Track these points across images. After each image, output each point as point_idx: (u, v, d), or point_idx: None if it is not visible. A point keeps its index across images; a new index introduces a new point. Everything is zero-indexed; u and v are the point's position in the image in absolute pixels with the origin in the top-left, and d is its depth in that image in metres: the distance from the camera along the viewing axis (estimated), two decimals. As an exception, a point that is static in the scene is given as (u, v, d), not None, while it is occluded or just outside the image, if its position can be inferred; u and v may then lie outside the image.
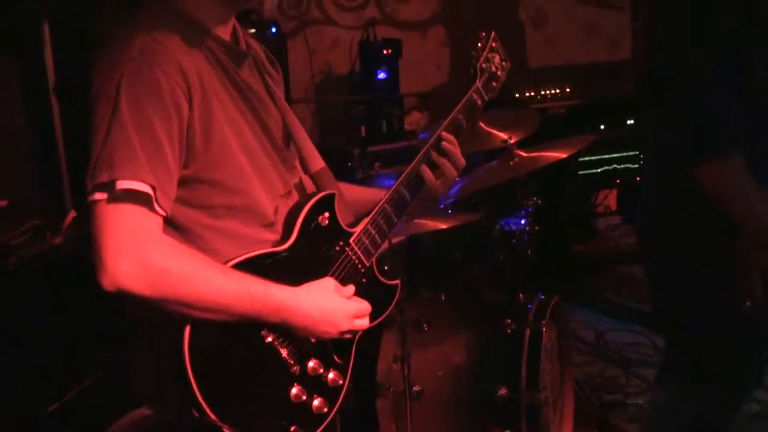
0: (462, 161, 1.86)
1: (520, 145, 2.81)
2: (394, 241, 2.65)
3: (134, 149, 1.36)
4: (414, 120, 4.77)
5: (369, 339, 2.66)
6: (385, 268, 2.79)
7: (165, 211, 1.40)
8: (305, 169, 1.74)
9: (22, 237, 2.68)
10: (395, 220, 1.76)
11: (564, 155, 2.75)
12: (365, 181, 3.66)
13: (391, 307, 1.77)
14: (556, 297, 2.84)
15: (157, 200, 1.38)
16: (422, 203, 1.87)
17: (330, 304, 1.55)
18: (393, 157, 4.00)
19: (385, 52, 4.25)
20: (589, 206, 4.76)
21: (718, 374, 2.20)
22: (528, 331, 2.64)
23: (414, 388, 2.54)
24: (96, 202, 1.35)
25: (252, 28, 3.90)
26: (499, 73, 2.07)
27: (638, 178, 4.44)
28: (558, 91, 4.48)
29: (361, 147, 3.84)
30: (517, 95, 4.41)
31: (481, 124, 2.84)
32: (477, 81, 2.01)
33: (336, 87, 4.60)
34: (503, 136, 2.78)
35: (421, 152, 1.83)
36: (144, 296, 1.35)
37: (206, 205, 1.50)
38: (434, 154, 1.83)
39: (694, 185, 2.04)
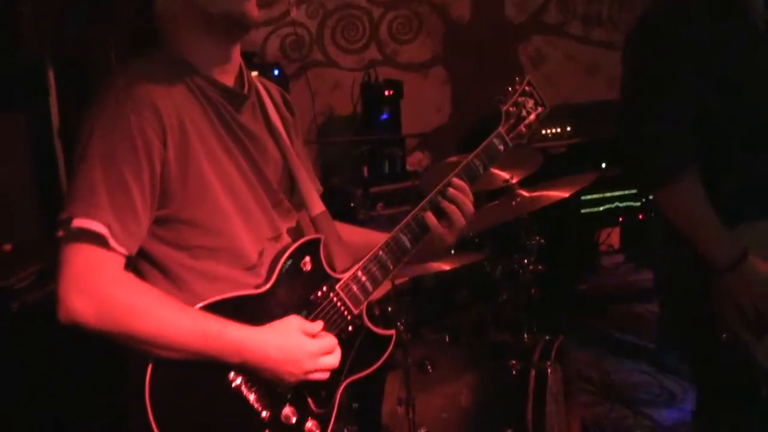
0: (471, 210, 1.77)
1: (522, 184, 2.82)
2: (397, 282, 2.65)
3: (95, 189, 1.39)
4: (416, 160, 4.79)
5: (373, 380, 2.65)
6: (385, 309, 2.79)
7: (127, 250, 1.42)
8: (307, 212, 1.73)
9: (25, 281, 2.68)
10: (391, 267, 1.69)
11: (566, 194, 2.75)
12: (367, 222, 3.67)
13: (382, 359, 1.69)
14: (560, 337, 2.82)
15: (115, 238, 1.39)
16: (429, 250, 1.79)
17: (290, 343, 1.49)
18: (395, 198, 4.02)
19: (386, 93, 4.29)
20: (593, 244, 4.75)
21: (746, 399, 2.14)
22: (533, 372, 2.63)
23: (419, 431, 2.52)
24: (58, 238, 1.40)
25: (255, 70, 3.95)
26: (531, 117, 1.99)
27: (640, 217, 4.44)
28: (559, 129, 4.50)
29: (364, 187, 3.86)
30: (518, 135, 4.43)
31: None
32: (501, 125, 1.94)
33: (338, 128, 4.63)
34: (505, 175, 2.79)
35: (427, 198, 1.76)
36: (93, 328, 1.37)
37: (186, 245, 1.50)
38: (442, 201, 1.75)
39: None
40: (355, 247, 1.73)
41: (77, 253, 1.38)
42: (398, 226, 1.72)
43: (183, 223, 1.49)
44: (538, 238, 3.03)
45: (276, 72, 4.10)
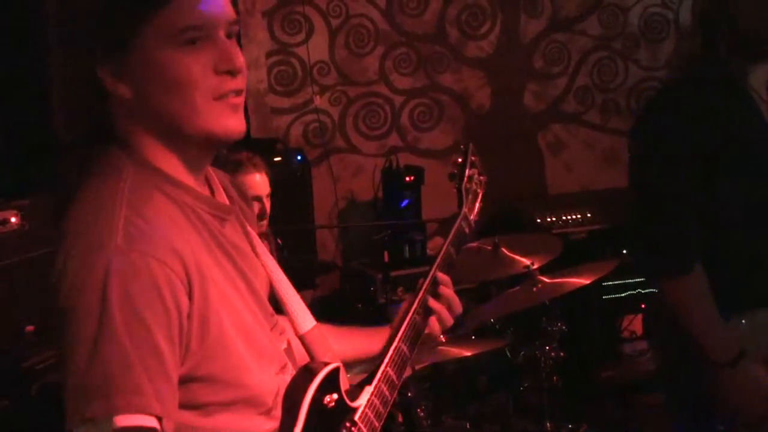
0: (459, 305, 1.66)
1: (543, 270, 2.82)
2: (417, 367, 2.62)
3: (134, 370, 1.09)
4: (436, 245, 4.79)
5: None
6: (409, 394, 2.76)
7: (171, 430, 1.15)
8: (294, 330, 1.46)
9: (46, 362, 2.68)
10: (397, 382, 1.53)
11: (587, 281, 2.75)
12: (387, 306, 3.67)
13: None
14: (584, 425, 2.78)
15: (163, 429, 1.12)
16: (419, 352, 1.66)
17: None
18: (415, 282, 4.01)
19: (407, 179, 4.33)
20: (615, 331, 4.70)
21: None
22: (556, 462, 2.57)
23: None
24: None
25: (278, 156, 4.02)
26: (479, 191, 1.89)
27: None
28: (579, 216, 4.51)
29: (384, 272, 3.86)
30: (538, 220, 4.45)
31: (504, 250, 2.86)
32: (463, 206, 1.81)
33: (359, 213, 4.67)
34: (526, 261, 2.80)
35: (416, 301, 1.62)
36: None
37: (198, 404, 1.23)
38: (431, 300, 1.62)
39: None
40: (343, 353, 1.53)
41: None
42: (398, 338, 1.56)
43: (197, 381, 1.21)
44: (559, 324, 3.01)
45: (299, 158, 4.17)
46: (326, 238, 4.60)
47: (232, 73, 1.23)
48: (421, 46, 4.75)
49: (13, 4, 2.69)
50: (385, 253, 4.09)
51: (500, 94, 4.91)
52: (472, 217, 1.86)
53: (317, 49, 4.58)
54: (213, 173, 1.39)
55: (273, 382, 1.32)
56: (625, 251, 4.40)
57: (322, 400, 1.35)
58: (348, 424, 1.38)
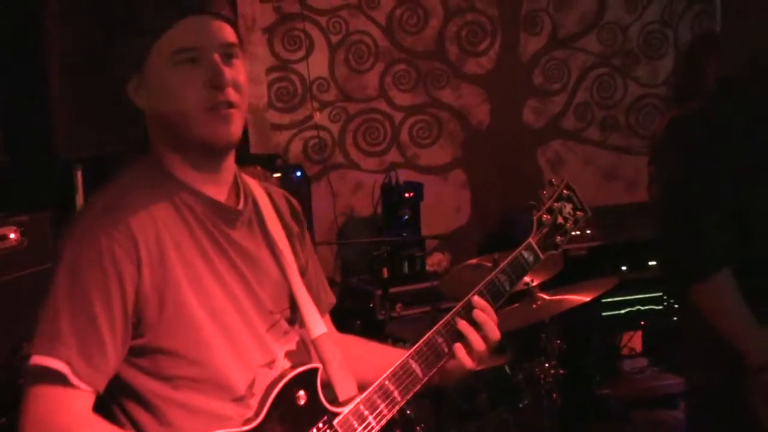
0: (496, 334, 1.59)
1: (543, 287, 2.81)
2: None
3: (57, 321, 1.30)
4: (435, 261, 4.79)
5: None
6: (408, 412, 2.75)
7: (92, 387, 1.31)
8: (308, 335, 1.57)
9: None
10: (399, 399, 1.50)
11: (587, 298, 2.75)
12: (386, 322, 3.66)
13: None
14: (584, 444, 2.76)
15: (77, 375, 1.29)
16: (445, 377, 1.61)
17: None
18: (414, 299, 4.01)
19: (406, 194, 4.34)
20: (615, 348, 4.69)
21: None
22: (556, 481, 2.56)
23: None
24: (23, 378, 1.31)
25: (277, 172, 4.02)
26: (567, 225, 1.81)
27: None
28: (579, 232, 4.51)
29: (383, 288, 3.86)
30: (537, 237, 4.44)
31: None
32: (531, 236, 1.76)
33: (358, 229, 4.67)
34: (526, 279, 2.79)
35: (443, 320, 1.58)
36: None
37: (166, 375, 1.39)
38: (461, 323, 1.58)
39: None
40: (360, 368, 1.58)
41: (37, 395, 1.29)
42: (408, 353, 1.55)
43: (161, 353, 1.38)
44: (559, 341, 3.00)
45: (298, 173, 4.17)
46: (325, 254, 4.59)
47: (220, 88, 1.41)
48: (421, 63, 4.77)
49: (17, 20, 2.70)
50: (384, 269, 4.08)
51: (500, 110, 4.92)
52: (555, 251, 1.80)
53: (317, 65, 4.60)
54: (265, 188, 1.61)
55: (249, 372, 1.44)
56: (624, 268, 4.41)
57: (293, 395, 1.43)
58: (321, 426, 1.45)
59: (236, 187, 1.54)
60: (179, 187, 1.46)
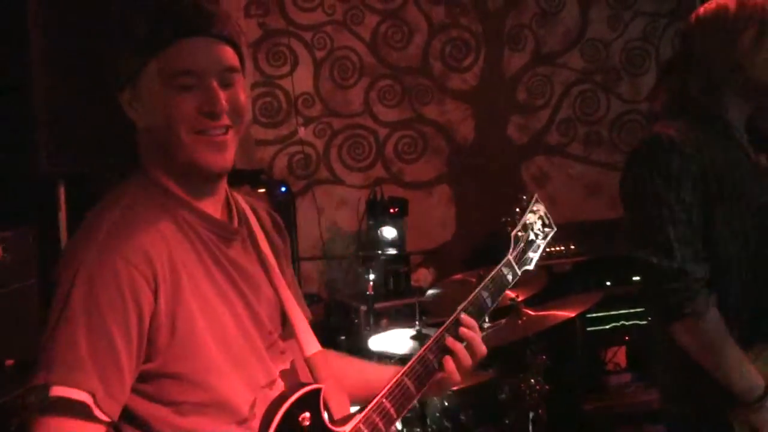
0: (482, 349, 1.63)
1: (528, 303, 2.82)
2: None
3: (77, 348, 1.24)
4: (420, 277, 4.78)
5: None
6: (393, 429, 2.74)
7: (110, 417, 1.27)
8: (301, 353, 1.55)
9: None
10: (395, 416, 1.52)
11: (572, 314, 2.76)
12: (371, 336, 3.65)
13: None
14: (569, 460, 2.76)
15: (99, 406, 1.24)
16: (433, 390, 1.64)
17: None
18: (399, 314, 4.01)
19: (391, 210, 4.34)
20: (599, 364, 4.69)
21: None
22: (542, 497, 2.56)
23: None
24: (29, 406, 1.22)
25: (262, 187, 4.01)
26: (538, 241, 1.84)
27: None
28: (562, 248, 4.52)
29: (368, 303, 3.85)
30: (522, 252, 4.46)
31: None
32: (509, 252, 1.78)
33: (343, 244, 4.67)
34: (510, 294, 2.79)
35: (433, 338, 1.61)
36: None
37: (171, 401, 1.35)
38: (449, 339, 1.61)
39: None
40: (352, 386, 1.59)
41: (51, 427, 1.22)
42: (403, 370, 1.56)
43: (168, 378, 1.34)
44: (544, 357, 3.00)
45: (283, 189, 4.17)
46: (310, 269, 4.58)
47: (213, 115, 1.38)
48: (406, 79, 4.78)
49: (0, 35, 2.70)
50: (369, 285, 4.08)
51: (484, 126, 4.95)
52: (530, 267, 1.83)
53: (302, 81, 4.61)
54: (259, 205, 1.61)
55: (253, 393, 1.41)
56: (608, 283, 4.42)
57: (297, 417, 1.41)
58: None
59: (228, 204, 1.52)
60: (178, 203, 1.42)
